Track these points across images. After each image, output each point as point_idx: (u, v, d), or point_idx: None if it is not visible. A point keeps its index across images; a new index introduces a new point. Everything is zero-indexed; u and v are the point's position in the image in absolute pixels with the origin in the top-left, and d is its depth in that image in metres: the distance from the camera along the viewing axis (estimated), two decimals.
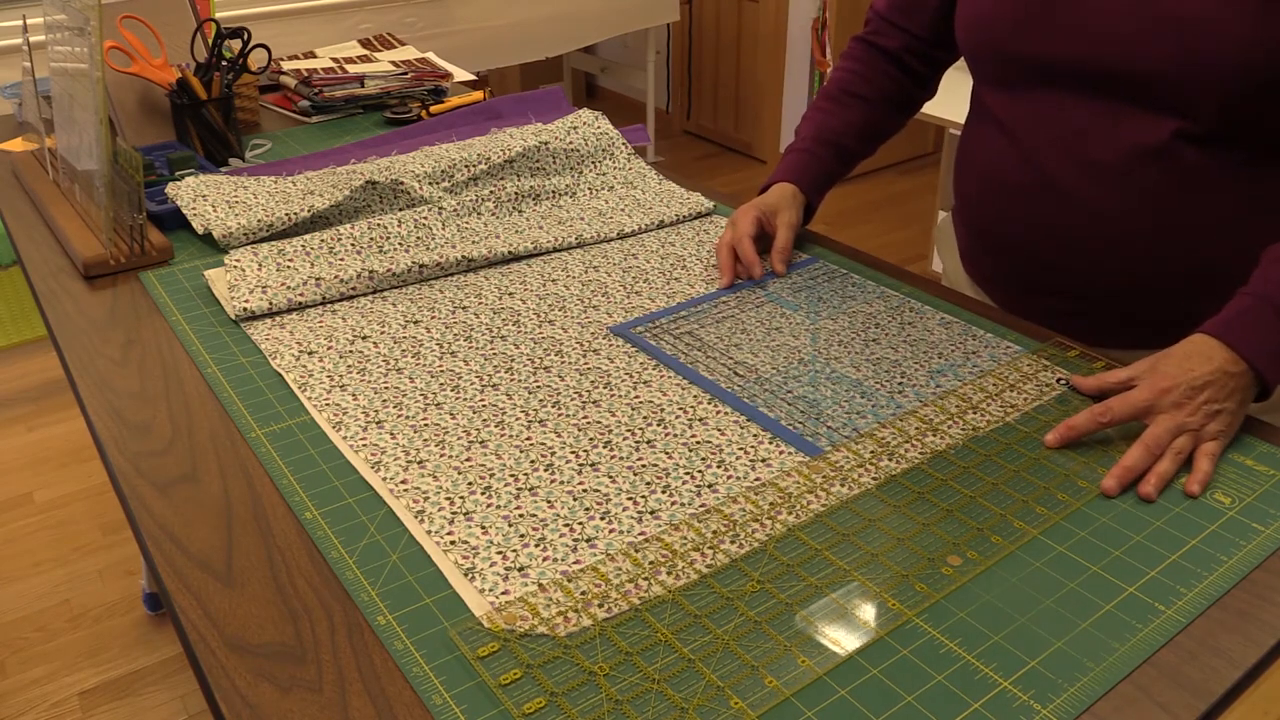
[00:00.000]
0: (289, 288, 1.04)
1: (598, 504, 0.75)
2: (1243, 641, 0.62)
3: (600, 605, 0.65)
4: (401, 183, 1.23)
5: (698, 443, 0.81)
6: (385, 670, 0.61)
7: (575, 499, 0.75)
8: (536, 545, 0.70)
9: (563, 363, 0.93)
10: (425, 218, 1.18)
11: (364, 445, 0.82)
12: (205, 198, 1.22)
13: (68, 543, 2.08)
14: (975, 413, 0.85)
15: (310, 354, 0.95)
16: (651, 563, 0.69)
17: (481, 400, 0.88)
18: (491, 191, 1.26)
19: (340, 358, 0.95)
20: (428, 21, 2.93)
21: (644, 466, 0.79)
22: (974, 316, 1.01)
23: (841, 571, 0.68)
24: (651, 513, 0.74)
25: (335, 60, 1.83)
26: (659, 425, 0.84)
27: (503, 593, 0.66)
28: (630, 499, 0.75)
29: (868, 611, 0.64)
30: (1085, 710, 0.57)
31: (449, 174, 1.27)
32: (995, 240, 1.07)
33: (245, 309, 1.01)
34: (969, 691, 0.59)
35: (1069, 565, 0.68)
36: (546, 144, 1.32)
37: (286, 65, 1.79)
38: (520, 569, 0.68)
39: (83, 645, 1.84)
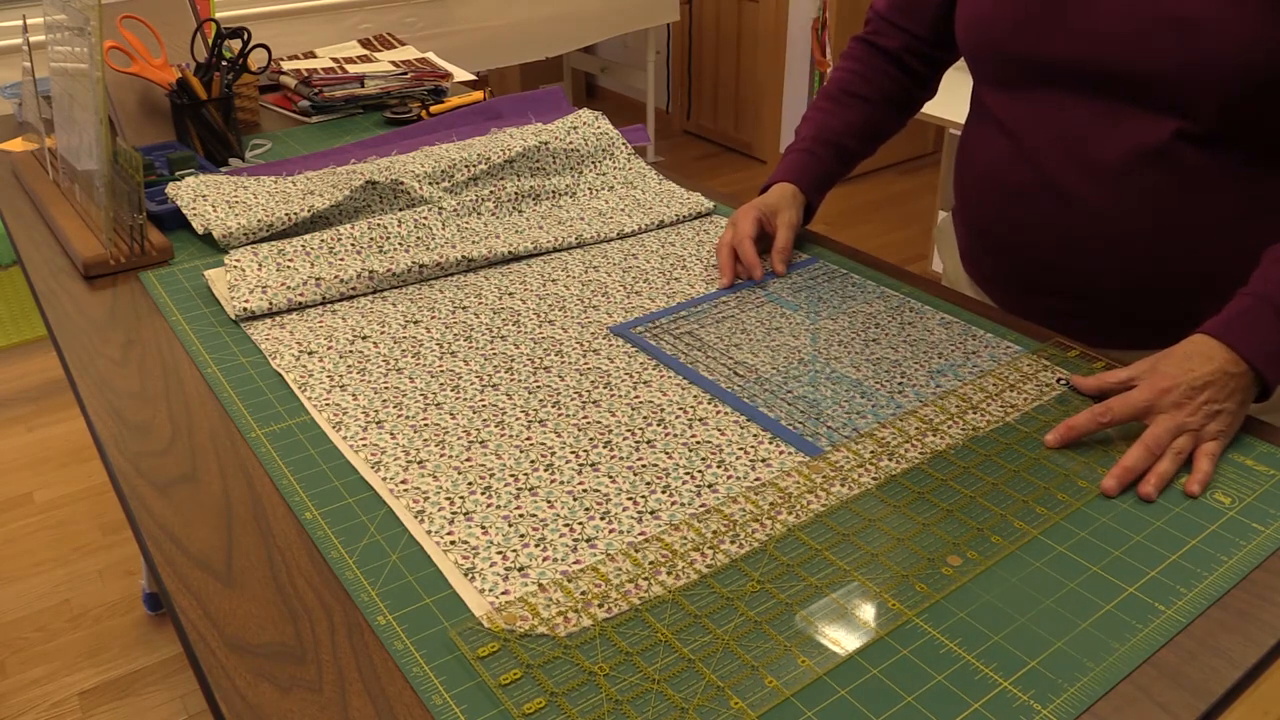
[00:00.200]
0: (289, 288, 1.04)
1: (598, 504, 0.75)
2: (1243, 641, 0.62)
3: (600, 605, 0.65)
4: (401, 183, 1.23)
5: (698, 443, 0.81)
6: (385, 670, 0.61)
7: (575, 499, 0.75)
8: (536, 545, 0.70)
9: (563, 363, 0.93)
10: (425, 218, 1.18)
11: (364, 445, 0.82)
12: (205, 198, 1.22)
13: (68, 543, 2.08)
14: (975, 413, 0.85)
15: (310, 354, 0.95)
16: (651, 563, 0.69)
17: (481, 400, 0.88)
18: (491, 191, 1.26)
19: (340, 358, 0.95)
20: (428, 21, 2.93)
21: (644, 466, 0.79)
22: (974, 316, 1.01)
23: (841, 571, 0.68)
24: (651, 513, 0.74)
25: (335, 60, 1.83)
26: (659, 425, 0.84)
27: (503, 593, 0.66)
28: (630, 499, 0.75)
29: (868, 611, 0.64)
30: (1085, 710, 0.57)
31: (449, 174, 1.27)
32: (995, 240, 1.07)
33: (245, 309, 1.01)
34: (969, 691, 0.59)
35: (1069, 565, 0.68)
36: (546, 144, 1.32)
37: (286, 65, 1.79)
38: (520, 569, 0.68)
39: (83, 645, 1.84)
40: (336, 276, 1.06)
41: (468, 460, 0.80)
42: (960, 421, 0.84)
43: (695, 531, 0.71)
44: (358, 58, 1.86)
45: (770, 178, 1.18)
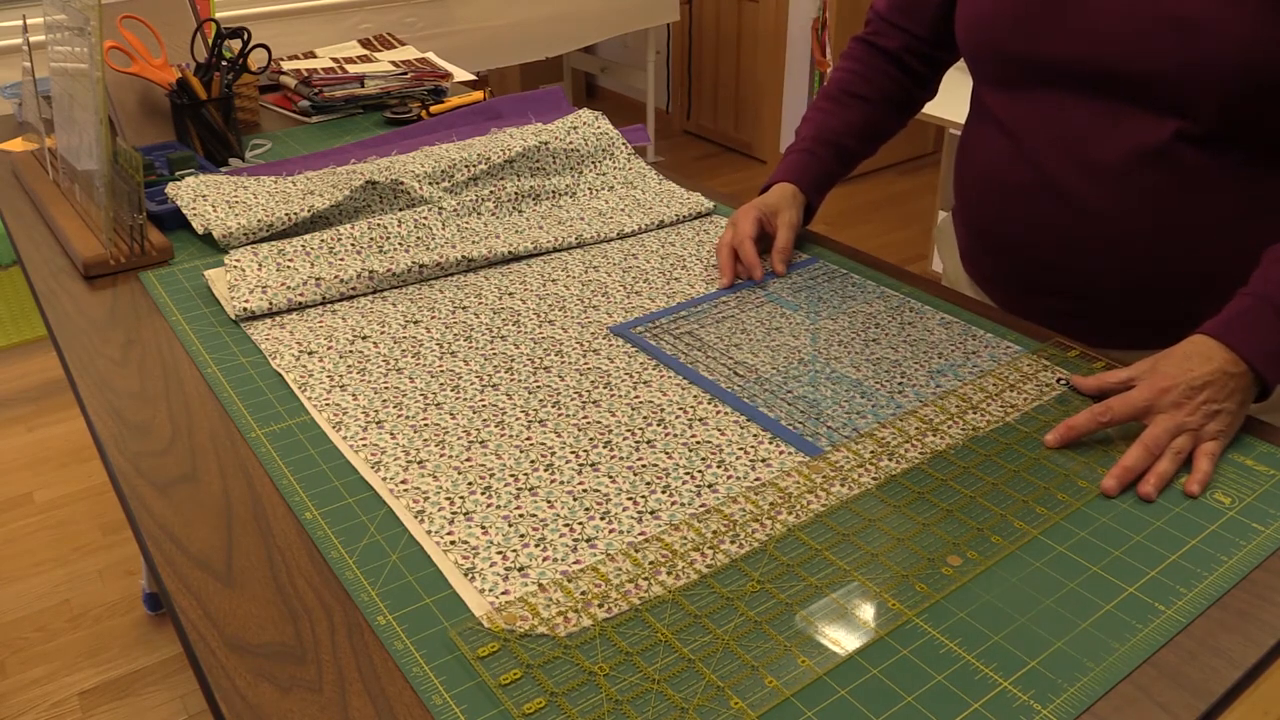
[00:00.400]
0: (289, 288, 1.04)
1: (598, 504, 0.75)
2: (1243, 641, 0.62)
3: (600, 605, 0.65)
4: (401, 183, 1.23)
5: (698, 443, 0.81)
6: (385, 670, 0.61)
7: (575, 499, 0.75)
8: (536, 545, 0.70)
9: (563, 363, 0.93)
10: (425, 218, 1.18)
11: (364, 445, 0.82)
12: (205, 198, 1.22)
13: (68, 543, 2.08)
14: (975, 413, 0.85)
15: (310, 354, 0.95)
16: (651, 563, 0.69)
17: (481, 400, 0.88)
18: (491, 191, 1.26)
19: (340, 358, 0.95)
20: (428, 21, 2.93)
21: (644, 466, 0.79)
22: (974, 316, 1.01)
23: (841, 571, 0.68)
24: (651, 513, 0.74)
25: (335, 60, 1.83)
26: (659, 425, 0.84)
27: (503, 593, 0.66)
28: (630, 499, 0.75)
29: (868, 611, 0.64)
30: (1085, 710, 0.57)
31: (449, 174, 1.27)
32: (995, 240, 1.07)
33: (245, 309, 1.01)
34: (969, 691, 0.59)
35: (1069, 565, 0.68)
36: (546, 144, 1.32)
37: (286, 65, 1.79)
38: (520, 569, 0.68)
39: (83, 645, 1.84)
40: (336, 276, 1.06)
41: (468, 460, 0.80)
42: (960, 421, 0.84)
43: (695, 531, 0.71)
44: (358, 58, 1.86)
45: (770, 178, 1.18)
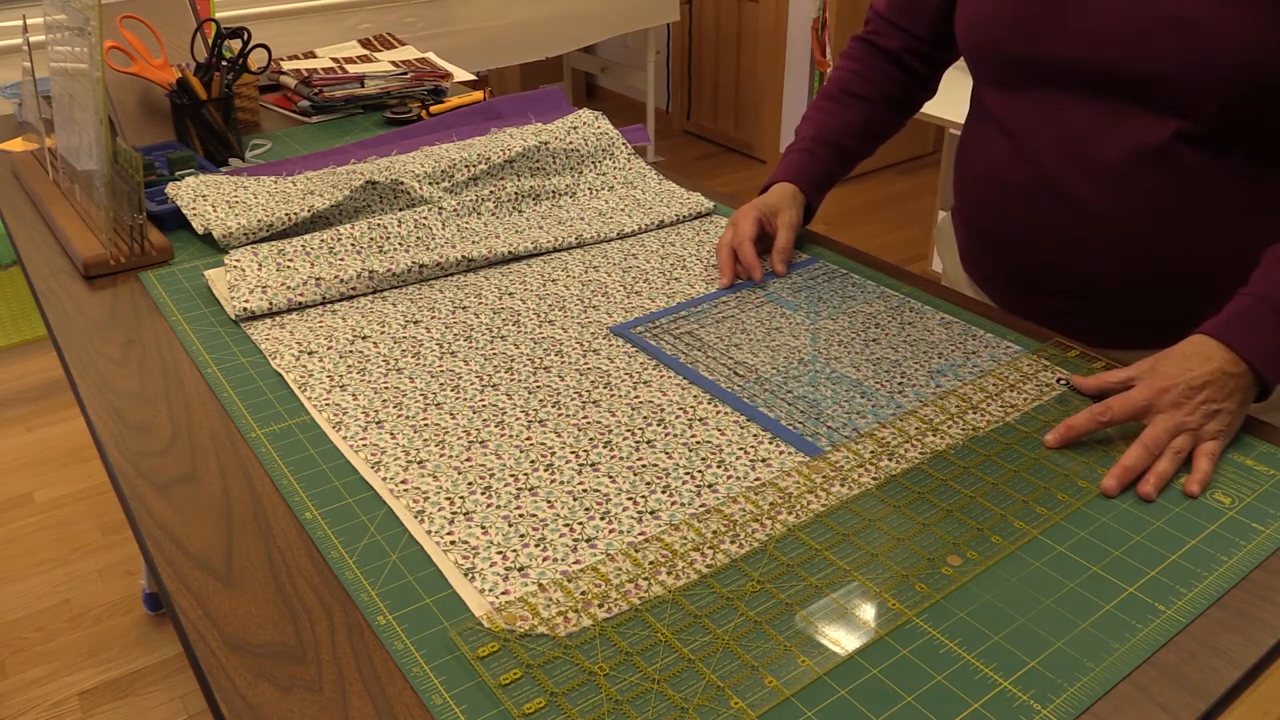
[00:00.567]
0: (289, 288, 1.04)
1: (598, 504, 0.75)
2: (1243, 641, 0.62)
3: (600, 605, 0.65)
4: (401, 183, 1.23)
5: (698, 443, 0.81)
6: (385, 670, 0.61)
7: (575, 499, 0.75)
8: (536, 545, 0.70)
9: (563, 363, 0.93)
10: (425, 218, 1.18)
11: (364, 445, 0.82)
12: (205, 198, 1.22)
13: (68, 543, 2.08)
14: (975, 413, 0.85)
15: (310, 354, 0.95)
16: (651, 563, 0.69)
17: (481, 400, 0.88)
18: (491, 191, 1.26)
19: (340, 358, 0.95)
20: (428, 21, 2.93)
21: (644, 466, 0.79)
22: (974, 316, 1.01)
23: (841, 571, 0.68)
24: (651, 513, 0.74)
25: (335, 60, 1.83)
26: (659, 425, 0.84)
27: (503, 593, 0.66)
28: (630, 499, 0.75)
29: (868, 611, 0.64)
30: (1085, 710, 0.57)
31: (449, 174, 1.27)
32: (995, 240, 1.07)
33: (245, 309, 1.01)
34: (969, 691, 0.59)
35: (1069, 565, 0.68)
36: (546, 144, 1.32)
37: (286, 65, 1.79)
38: (520, 569, 0.68)
39: (83, 645, 1.84)
40: (336, 276, 1.06)
41: (468, 460, 0.80)
42: (960, 421, 0.84)
43: (695, 531, 0.71)
44: (358, 58, 1.86)
45: (770, 178, 1.18)
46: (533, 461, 0.79)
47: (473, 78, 1.87)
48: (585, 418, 0.85)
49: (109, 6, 1.44)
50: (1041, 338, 0.96)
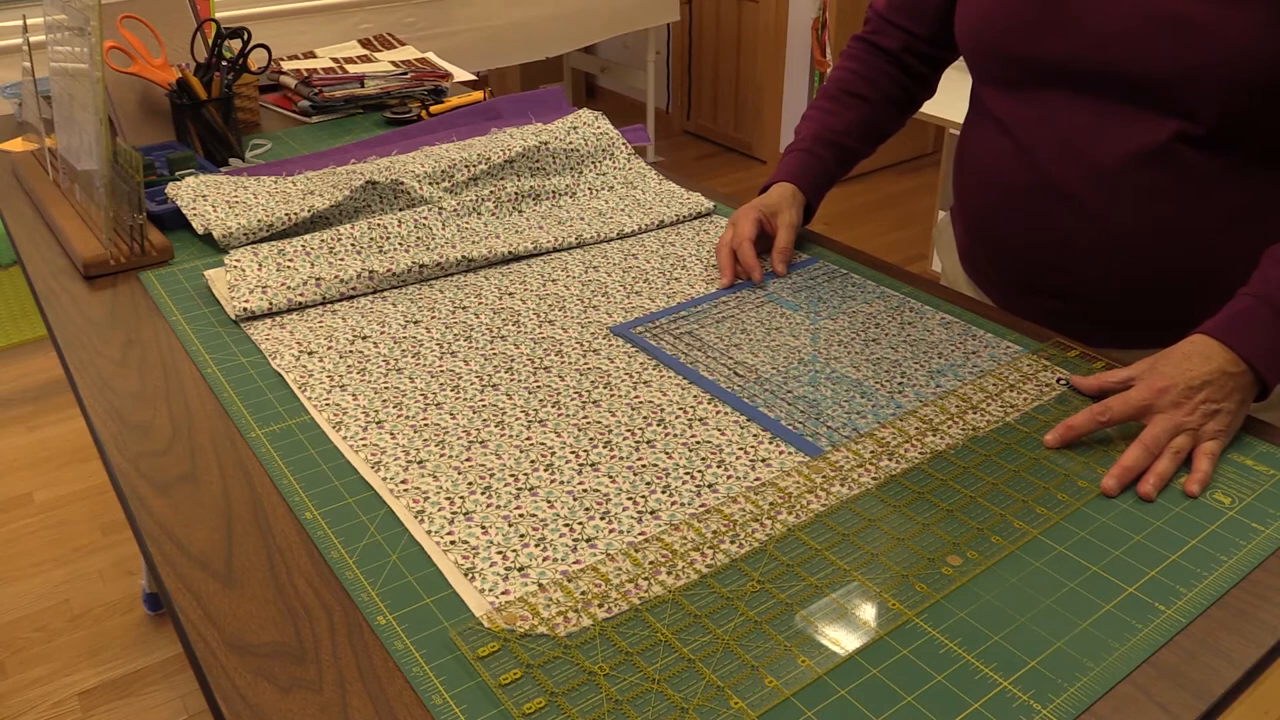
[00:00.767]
0: (289, 288, 1.04)
1: (598, 504, 0.75)
2: (1243, 641, 0.62)
3: (600, 605, 0.65)
4: (401, 183, 1.23)
5: (698, 443, 0.81)
6: (385, 670, 0.61)
7: (575, 499, 0.75)
8: (536, 545, 0.70)
9: (563, 363, 0.93)
10: (425, 218, 1.18)
11: (364, 445, 0.82)
12: (205, 198, 1.22)
13: (68, 543, 2.08)
14: (975, 413, 0.85)
15: (310, 354, 0.95)
16: (651, 563, 0.69)
17: (481, 400, 0.88)
18: (491, 191, 1.26)
19: (340, 358, 0.95)
20: (428, 21, 2.93)
21: (644, 466, 0.79)
22: (974, 316, 1.01)
23: (841, 571, 0.68)
24: (651, 513, 0.74)
25: (335, 60, 1.83)
26: (659, 425, 0.84)
27: (503, 593, 0.66)
28: (630, 499, 0.75)
29: (868, 611, 0.64)
30: (1085, 710, 0.57)
31: (449, 174, 1.27)
32: (994, 240, 1.07)
33: (245, 309, 1.01)
34: (969, 691, 0.59)
35: (1069, 565, 0.68)
36: (546, 144, 1.32)
37: (286, 65, 1.79)
38: (520, 569, 0.68)
39: (83, 645, 1.84)
40: (336, 276, 1.06)
41: (468, 460, 0.80)
42: (960, 421, 0.84)
43: (695, 531, 0.71)
44: (358, 58, 1.86)
45: (770, 177, 1.18)
46: (533, 461, 0.79)
47: (473, 78, 1.87)
48: (585, 418, 0.85)
49: (109, 6, 1.44)
50: (1041, 338, 0.96)
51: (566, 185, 1.31)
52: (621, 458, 0.80)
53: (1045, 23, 0.94)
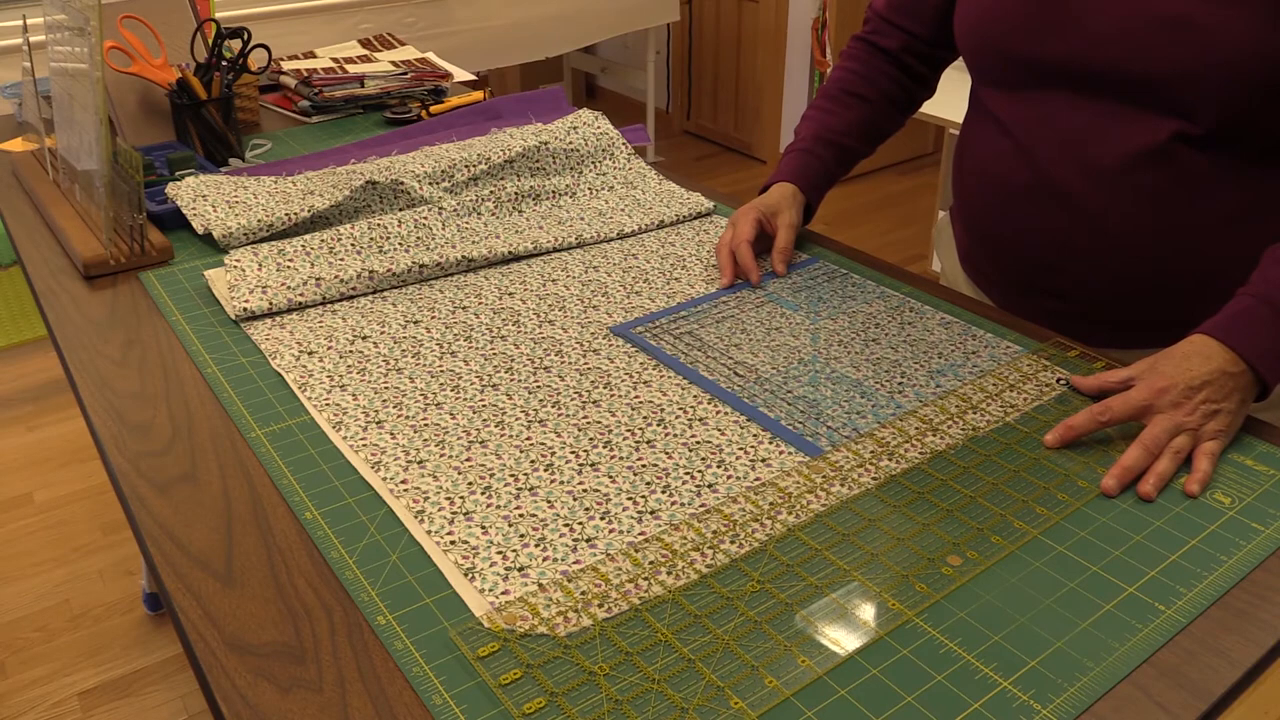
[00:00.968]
0: (289, 288, 1.04)
1: (598, 504, 0.75)
2: (1243, 641, 0.62)
3: (600, 605, 0.65)
4: (401, 183, 1.23)
5: (698, 443, 0.81)
6: (385, 670, 0.61)
7: (575, 499, 0.75)
8: (536, 545, 0.70)
9: (563, 363, 0.93)
10: (425, 218, 1.18)
11: (364, 445, 0.82)
12: (205, 198, 1.22)
13: (68, 543, 2.08)
14: (975, 413, 0.85)
15: (310, 354, 0.95)
16: (651, 563, 0.69)
17: (481, 400, 0.88)
18: (491, 191, 1.26)
19: (340, 358, 0.95)
20: (428, 21, 2.93)
21: (644, 466, 0.79)
22: (974, 316, 1.01)
23: (841, 571, 0.68)
24: (651, 513, 0.74)
25: (335, 60, 1.83)
26: (659, 425, 0.84)
27: (503, 593, 0.66)
28: (630, 499, 0.75)
29: (868, 611, 0.64)
30: (1085, 710, 0.57)
31: (449, 174, 1.27)
32: (994, 241, 1.07)
33: (245, 309, 1.01)
34: (969, 691, 0.59)
35: (1069, 565, 0.68)
36: (546, 144, 1.32)
37: (286, 65, 1.79)
38: (520, 569, 0.68)
39: (83, 645, 1.84)
40: (336, 276, 1.06)
41: (468, 460, 0.80)
42: (960, 421, 0.84)
43: (695, 531, 0.71)
44: (358, 58, 1.86)
45: (770, 177, 1.18)
46: (533, 461, 0.79)
47: (473, 78, 1.87)
48: (585, 418, 0.85)
49: (109, 6, 1.44)
50: (1041, 338, 0.96)
51: (566, 185, 1.31)
52: (621, 458, 0.80)
53: (1045, 23, 0.94)
